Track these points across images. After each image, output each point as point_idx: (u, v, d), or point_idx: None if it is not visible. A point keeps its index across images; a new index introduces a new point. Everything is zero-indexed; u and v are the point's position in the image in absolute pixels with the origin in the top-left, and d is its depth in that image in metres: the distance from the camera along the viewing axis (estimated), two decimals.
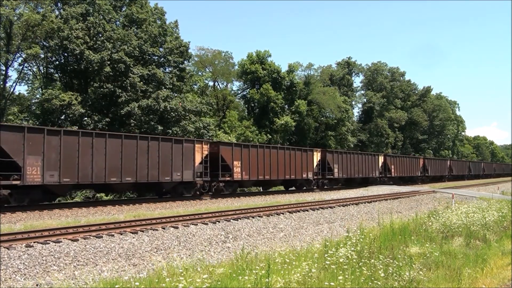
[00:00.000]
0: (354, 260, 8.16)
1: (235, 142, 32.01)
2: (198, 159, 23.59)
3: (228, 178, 25.70)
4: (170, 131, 30.83)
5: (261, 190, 32.31)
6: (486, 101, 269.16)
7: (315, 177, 33.30)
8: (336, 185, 37.41)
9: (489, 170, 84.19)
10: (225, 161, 25.52)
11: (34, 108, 31.24)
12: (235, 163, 26.06)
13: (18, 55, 29.74)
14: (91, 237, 11.00)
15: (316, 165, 33.41)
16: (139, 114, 29.34)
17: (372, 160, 41.12)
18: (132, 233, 11.75)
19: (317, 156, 33.68)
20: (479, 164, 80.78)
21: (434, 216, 15.42)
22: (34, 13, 27.83)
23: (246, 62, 48.21)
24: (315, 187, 33.47)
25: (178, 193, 23.14)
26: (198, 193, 24.02)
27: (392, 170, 43.76)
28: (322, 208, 19.46)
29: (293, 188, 32.80)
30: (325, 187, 34.58)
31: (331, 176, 34.87)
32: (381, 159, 43.00)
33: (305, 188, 32.51)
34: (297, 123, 48.23)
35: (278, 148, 30.34)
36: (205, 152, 24.18)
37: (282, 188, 33.91)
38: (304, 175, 32.01)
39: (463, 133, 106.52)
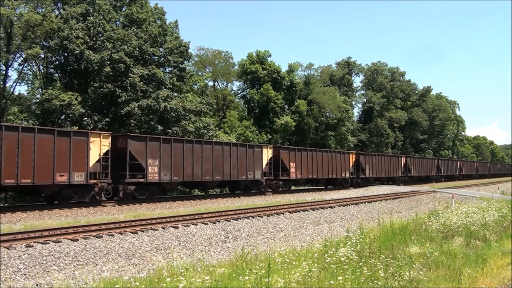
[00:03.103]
0: (354, 260, 8.16)
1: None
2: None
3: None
4: (170, 131, 30.83)
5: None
6: (486, 101, 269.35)
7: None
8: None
9: (469, 170, 77.21)
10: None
11: (34, 108, 31.21)
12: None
13: (18, 55, 29.72)
14: (91, 237, 11.00)
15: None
16: (139, 114, 29.33)
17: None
18: (132, 233, 11.75)
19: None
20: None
21: (434, 216, 15.42)
22: (35, 13, 27.82)
23: (246, 62, 48.20)
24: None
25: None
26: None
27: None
28: (322, 208, 19.47)
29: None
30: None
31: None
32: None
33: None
34: (297, 123, 48.22)
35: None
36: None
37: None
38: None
39: (463, 133, 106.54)
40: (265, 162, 28.05)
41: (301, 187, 36.48)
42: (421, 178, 53.07)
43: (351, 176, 37.81)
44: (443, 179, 58.70)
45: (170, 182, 22.13)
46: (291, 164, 30.59)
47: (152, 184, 21.58)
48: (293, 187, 33.85)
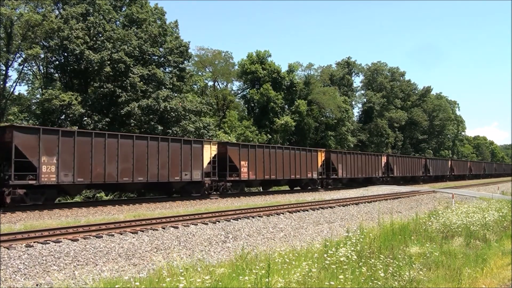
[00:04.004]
0: (354, 260, 8.16)
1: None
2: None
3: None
4: (170, 131, 30.84)
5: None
6: (486, 101, 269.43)
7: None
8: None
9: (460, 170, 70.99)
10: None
11: (34, 108, 31.24)
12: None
13: (18, 55, 29.76)
14: (91, 237, 11.00)
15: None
16: (139, 114, 29.35)
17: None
18: (132, 233, 11.75)
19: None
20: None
21: (434, 216, 15.41)
22: (35, 13, 27.83)
23: (246, 62, 48.22)
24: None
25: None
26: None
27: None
28: (322, 208, 19.46)
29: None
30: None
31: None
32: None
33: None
34: (297, 123, 48.23)
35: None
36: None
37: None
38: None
39: (463, 133, 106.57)
40: (206, 160, 24.03)
41: (278, 189, 33.16)
42: (406, 179, 48.89)
43: (320, 177, 33.97)
44: (430, 180, 54.00)
45: (73, 184, 18.28)
46: (242, 163, 26.55)
47: (48, 187, 17.75)
48: (257, 189, 31.40)
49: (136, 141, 20.69)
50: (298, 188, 33.17)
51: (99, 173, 18.86)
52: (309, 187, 32.78)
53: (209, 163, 24.26)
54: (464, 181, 58.10)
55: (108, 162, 19.13)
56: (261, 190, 31.98)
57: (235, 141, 35.24)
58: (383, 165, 42.82)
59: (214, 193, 25.25)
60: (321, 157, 34.10)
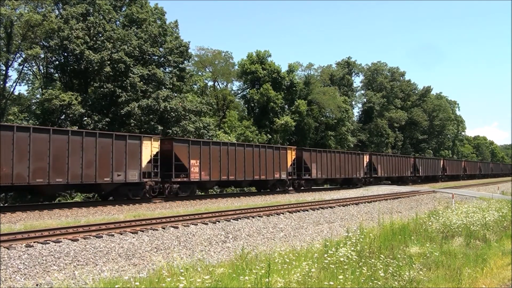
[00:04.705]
0: (354, 260, 8.17)
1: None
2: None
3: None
4: (170, 131, 30.85)
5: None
6: (486, 101, 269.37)
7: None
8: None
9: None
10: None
11: (34, 108, 31.26)
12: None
13: (18, 55, 29.78)
14: (91, 237, 11.00)
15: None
16: (139, 114, 29.35)
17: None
18: (132, 233, 11.76)
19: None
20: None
21: (434, 216, 15.42)
22: (35, 13, 27.83)
23: (246, 62, 48.23)
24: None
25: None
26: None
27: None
28: (322, 208, 19.47)
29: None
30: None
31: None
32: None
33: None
34: (297, 123, 48.24)
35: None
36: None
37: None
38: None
39: (463, 133, 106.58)
40: (146, 159, 20.89)
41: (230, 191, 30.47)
42: (392, 180, 45.38)
43: (290, 177, 30.43)
44: (420, 181, 50.69)
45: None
46: (193, 162, 22.78)
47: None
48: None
49: (53, 135, 17.41)
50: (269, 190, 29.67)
51: (6, 173, 15.88)
52: (278, 189, 29.49)
53: (150, 161, 21.02)
54: (457, 182, 55.48)
55: (17, 161, 16.14)
56: (219, 192, 29.83)
57: (194, 139, 28.44)
58: (365, 164, 39.37)
59: (159, 196, 22.00)
60: (291, 155, 30.28)
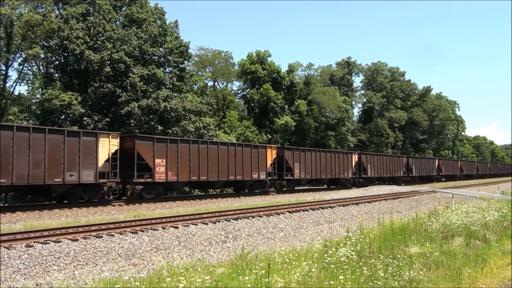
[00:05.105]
0: (354, 260, 8.17)
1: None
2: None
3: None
4: (170, 131, 30.84)
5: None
6: (486, 101, 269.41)
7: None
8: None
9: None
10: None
11: (34, 108, 31.26)
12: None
13: (18, 55, 29.77)
14: (91, 237, 11.01)
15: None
16: (139, 114, 29.34)
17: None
18: (132, 233, 11.76)
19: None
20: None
21: (434, 216, 15.42)
22: (35, 13, 27.83)
23: (246, 62, 48.22)
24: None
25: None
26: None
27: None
28: (322, 208, 19.47)
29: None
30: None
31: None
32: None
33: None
34: (297, 123, 48.24)
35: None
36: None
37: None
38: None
39: (463, 133, 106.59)
40: (103, 157, 19.29)
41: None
42: (384, 180, 43.62)
43: (271, 178, 28.84)
44: (413, 181, 48.63)
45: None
46: (158, 161, 21.42)
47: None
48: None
49: None
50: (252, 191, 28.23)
51: None
52: (257, 190, 27.85)
53: (107, 160, 19.30)
54: (452, 182, 53.80)
55: None
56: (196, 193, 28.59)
57: (160, 136, 25.84)
58: (353, 164, 37.82)
59: (122, 199, 20.70)
60: (271, 154, 28.52)
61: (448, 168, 60.97)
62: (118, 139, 20.08)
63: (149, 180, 20.95)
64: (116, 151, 19.71)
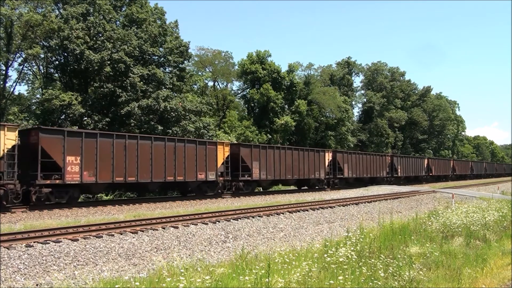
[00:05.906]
0: (354, 260, 8.17)
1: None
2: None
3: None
4: (170, 131, 30.82)
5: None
6: (486, 101, 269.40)
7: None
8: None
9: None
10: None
11: (34, 108, 31.26)
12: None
13: (18, 55, 29.76)
14: (91, 237, 11.00)
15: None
16: (139, 114, 29.33)
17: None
18: (132, 233, 11.76)
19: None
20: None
21: (434, 216, 15.43)
22: (35, 13, 27.83)
23: (246, 62, 48.23)
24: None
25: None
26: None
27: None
28: (322, 208, 19.47)
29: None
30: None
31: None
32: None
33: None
34: (297, 123, 48.25)
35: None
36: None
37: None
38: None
39: (463, 133, 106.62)
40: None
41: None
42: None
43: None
44: (398, 182, 45.54)
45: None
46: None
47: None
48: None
49: None
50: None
51: None
52: (208, 193, 25.08)
53: (2, 157, 15.96)
54: (444, 183, 52.03)
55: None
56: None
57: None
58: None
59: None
60: (223, 152, 26.33)
61: (439, 168, 57.83)
62: (17, 132, 16.52)
63: (57, 181, 17.51)
64: (13, 146, 16.22)
